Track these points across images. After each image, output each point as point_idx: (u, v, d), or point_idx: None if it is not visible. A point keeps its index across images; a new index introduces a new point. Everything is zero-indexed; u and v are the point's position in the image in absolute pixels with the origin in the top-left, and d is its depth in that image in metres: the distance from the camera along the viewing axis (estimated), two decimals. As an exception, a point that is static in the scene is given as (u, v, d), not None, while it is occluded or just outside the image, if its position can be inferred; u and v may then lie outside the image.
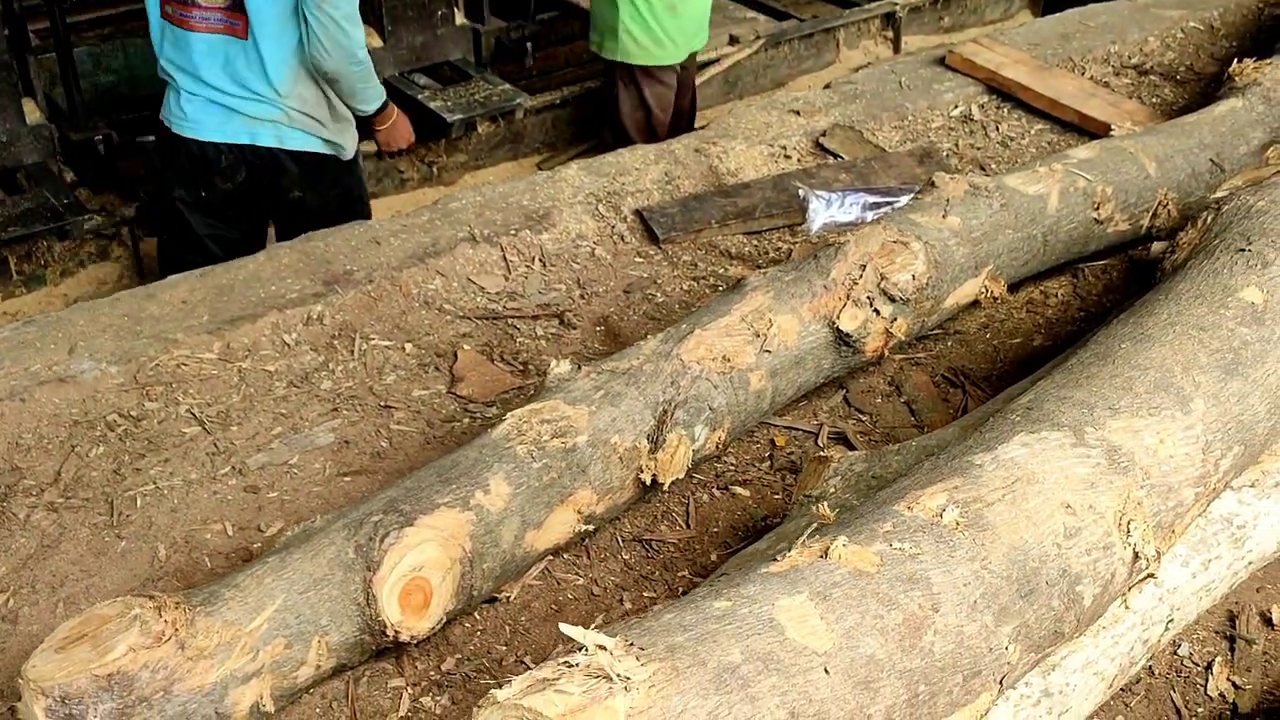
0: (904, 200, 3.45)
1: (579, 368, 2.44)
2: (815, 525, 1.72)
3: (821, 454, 2.34)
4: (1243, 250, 2.23)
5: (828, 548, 1.60)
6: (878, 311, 2.68)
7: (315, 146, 3.54)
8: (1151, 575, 2.02)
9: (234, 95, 3.42)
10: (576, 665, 1.34)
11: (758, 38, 4.78)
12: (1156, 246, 2.45)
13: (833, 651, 1.48)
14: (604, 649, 1.35)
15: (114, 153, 3.80)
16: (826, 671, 1.46)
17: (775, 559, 1.61)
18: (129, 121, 4.28)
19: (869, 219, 3.39)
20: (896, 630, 1.55)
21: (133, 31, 4.79)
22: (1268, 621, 2.36)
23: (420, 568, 2.08)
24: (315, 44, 3.34)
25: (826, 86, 4.26)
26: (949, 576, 1.63)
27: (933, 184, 2.95)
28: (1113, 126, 3.59)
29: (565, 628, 1.36)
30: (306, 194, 3.62)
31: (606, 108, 4.47)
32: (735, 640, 1.43)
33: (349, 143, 3.64)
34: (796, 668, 1.44)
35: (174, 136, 3.51)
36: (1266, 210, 2.32)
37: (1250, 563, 2.31)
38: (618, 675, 1.33)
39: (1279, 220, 2.30)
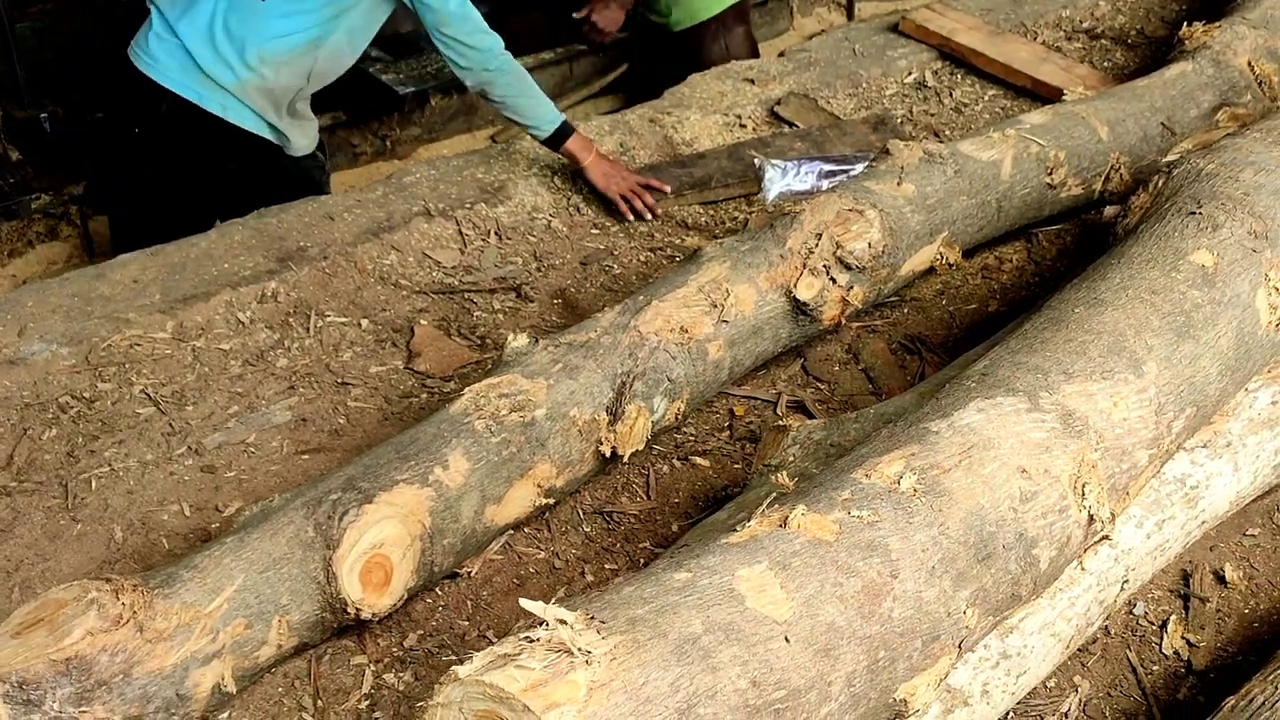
0: (859, 168, 3.45)
1: (536, 341, 2.43)
2: (775, 494, 1.72)
3: (780, 423, 2.34)
4: (1193, 214, 2.25)
5: (786, 517, 1.61)
6: (834, 280, 2.68)
7: (259, 129, 3.35)
8: (1106, 537, 2.05)
9: (204, 49, 3.23)
10: (537, 640, 1.34)
11: (711, 6, 4.76)
12: (1109, 210, 2.47)
13: (793, 620, 1.49)
14: (564, 623, 1.35)
15: (60, 131, 3.74)
16: (787, 640, 1.47)
17: (735, 529, 1.61)
18: (75, 100, 4.20)
19: (825, 187, 3.39)
20: (856, 597, 1.56)
21: (79, 7, 4.69)
22: (1221, 580, 2.39)
23: (380, 545, 2.08)
24: (454, 68, 3.26)
25: (780, 54, 4.25)
26: (907, 543, 1.64)
27: (887, 151, 2.95)
28: (1065, 91, 3.60)
29: (525, 603, 1.36)
30: (242, 170, 3.43)
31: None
32: (696, 611, 1.43)
33: (299, 141, 3.45)
34: (757, 637, 1.45)
35: (133, 71, 3.33)
36: (1216, 173, 2.34)
37: (1203, 522, 2.34)
38: (579, 649, 1.33)
39: (1228, 183, 2.32)
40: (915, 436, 1.82)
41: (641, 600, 1.43)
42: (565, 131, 3.35)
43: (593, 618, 1.37)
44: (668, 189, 3.41)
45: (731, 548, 1.55)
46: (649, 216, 3.39)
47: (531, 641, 1.34)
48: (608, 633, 1.36)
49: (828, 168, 3.48)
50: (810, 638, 1.49)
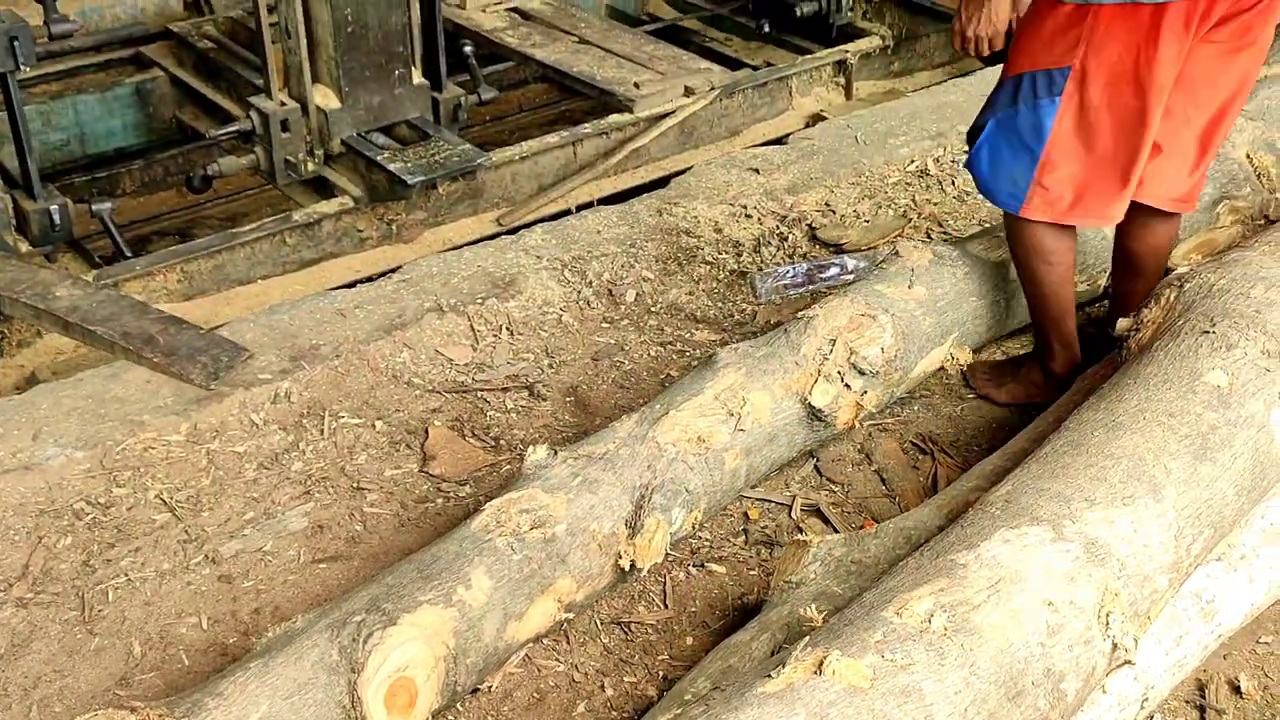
0: (850, 263, 3.49)
1: (555, 453, 2.45)
2: (807, 639, 1.73)
3: (800, 538, 2.35)
4: (1207, 332, 2.28)
5: (821, 662, 1.62)
6: (848, 385, 2.71)
7: None
8: (1129, 662, 2.06)
9: None
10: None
11: (712, 88, 4.81)
12: (1122, 324, 2.50)
13: (832, 775, 1.50)
14: (610, 788, 1.35)
15: (69, 221, 3.76)
16: (827, 796, 1.47)
17: (770, 675, 1.62)
18: (82, 184, 4.24)
19: (818, 280, 3.45)
20: (892, 747, 1.57)
21: (82, 88, 4.74)
22: (1236, 690, 2.40)
23: (405, 667, 2.08)
24: None
25: (782, 141, 4.30)
26: (940, 686, 1.65)
27: (897, 253, 2.98)
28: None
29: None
30: None
31: None
32: (739, 772, 1.44)
33: None
34: (799, 796, 1.46)
35: None
36: (1228, 289, 2.38)
37: (1219, 635, 2.35)
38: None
39: (1240, 300, 2.35)
40: (943, 569, 1.84)
41: (685, 761, 1.44)
42: None
43: (637, 781, 1.38)
44: None
45: (769, 699, 1.56)
46: None
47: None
48: (653, 797, 1.36)
49: (818, 263, 3.53)
50: (849, 792, 1.50)
